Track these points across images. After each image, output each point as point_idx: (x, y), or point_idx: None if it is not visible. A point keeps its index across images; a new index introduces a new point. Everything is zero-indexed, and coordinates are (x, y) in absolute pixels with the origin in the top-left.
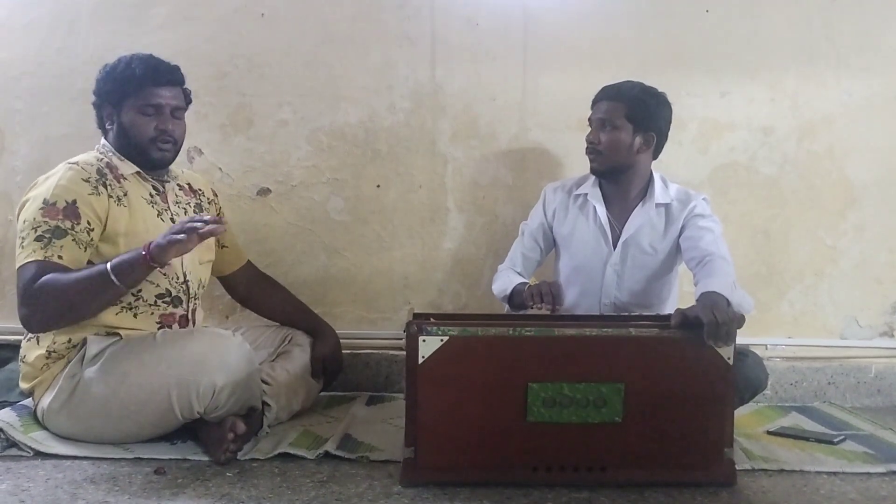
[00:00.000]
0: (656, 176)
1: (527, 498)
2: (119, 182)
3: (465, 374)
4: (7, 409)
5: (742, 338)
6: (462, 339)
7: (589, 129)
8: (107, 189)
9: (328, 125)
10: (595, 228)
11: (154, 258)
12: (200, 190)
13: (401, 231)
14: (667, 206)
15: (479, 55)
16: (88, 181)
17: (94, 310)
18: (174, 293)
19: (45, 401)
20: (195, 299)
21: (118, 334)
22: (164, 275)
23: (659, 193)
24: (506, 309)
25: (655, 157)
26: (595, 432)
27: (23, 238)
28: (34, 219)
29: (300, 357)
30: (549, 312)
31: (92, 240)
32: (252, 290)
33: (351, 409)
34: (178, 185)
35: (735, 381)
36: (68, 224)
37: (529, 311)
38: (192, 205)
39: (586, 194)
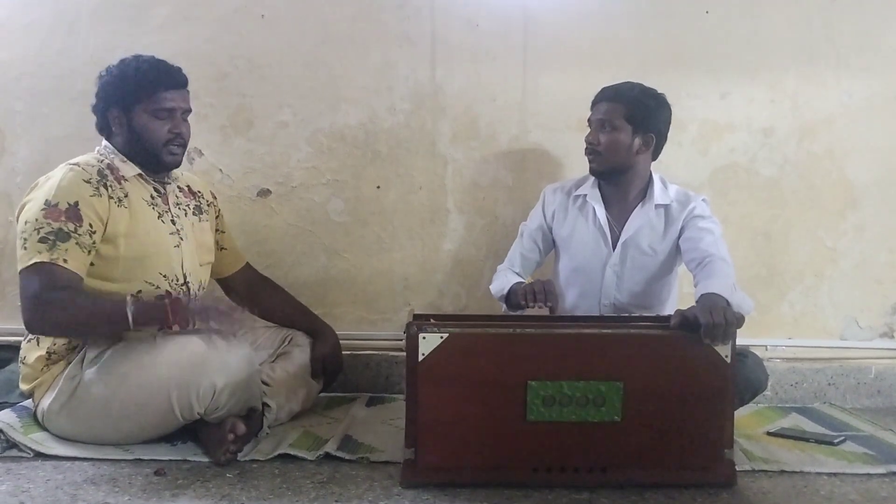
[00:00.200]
0: (656, 177)
1: (527, 499)
2: (120, 183)
3: (464, 372)
4: (7, 411)
5: (742, 339)
6: (462, 337)
7: (588, 129)
8: (108, 190)
9: (328, 126)
10: (594, 229)
11: (179, 324)
12: (200, 192)
13: (401, 232)
14: (666, 207)
15: (480, 56)
16: (90, 182)
17: (96, 336)
18: (174, 295)
19: (45, 402)
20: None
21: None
22: (165, 276)
23: (658, 194)
24: (503, 309)
25: (655, 158)
26: (595, 432)
27: (25, 239)
28: (36, 220)
29: (300, 358)
30: (548, 312)
31: (94, 242)
32: (251, 291)
33: (351, 410)
34: (179, 186)
35: (734, 379)
36: (71, 227)
37: (527, 311)
38: (191, 207)
39: (586, 195)
